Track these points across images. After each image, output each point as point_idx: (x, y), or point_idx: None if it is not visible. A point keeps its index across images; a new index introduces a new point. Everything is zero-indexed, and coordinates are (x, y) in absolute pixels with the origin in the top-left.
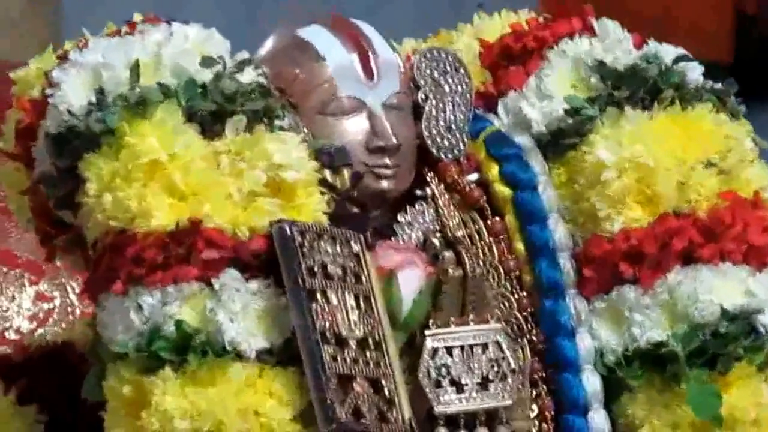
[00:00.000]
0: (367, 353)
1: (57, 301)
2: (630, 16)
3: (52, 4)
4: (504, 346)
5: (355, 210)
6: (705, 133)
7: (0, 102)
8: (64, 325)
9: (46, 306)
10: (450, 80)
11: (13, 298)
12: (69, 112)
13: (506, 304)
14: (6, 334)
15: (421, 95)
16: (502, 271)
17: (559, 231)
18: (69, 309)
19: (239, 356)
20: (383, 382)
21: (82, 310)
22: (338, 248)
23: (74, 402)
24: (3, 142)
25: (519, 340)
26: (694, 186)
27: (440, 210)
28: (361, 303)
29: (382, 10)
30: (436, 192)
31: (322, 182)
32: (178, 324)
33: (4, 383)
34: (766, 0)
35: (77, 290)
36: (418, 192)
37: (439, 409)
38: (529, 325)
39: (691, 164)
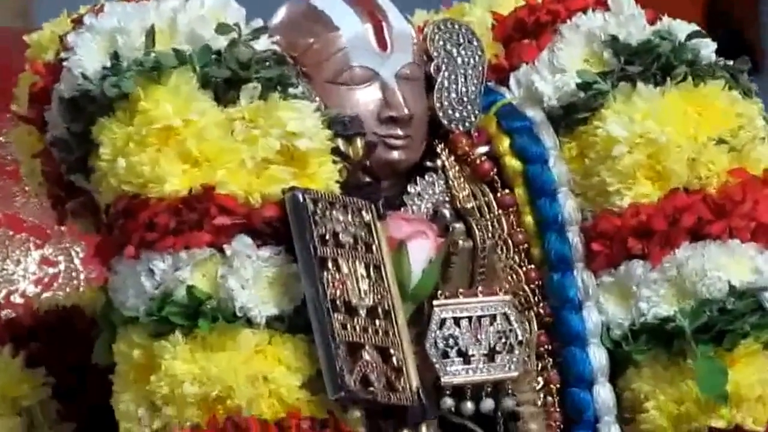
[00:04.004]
0: (377, 322)
1: (62, 266)
2: None
3: None
4: (511, 319)
5: (368, 180)
6: (717, 110)
7: None
8: (69, 290)
9: (51, 270)
10: (463, 52)
11: (19, 262)
12: (83, 76)
13: (514, 276)
14: (12, 297)
15: (433, 67)
16: (511, 243)
17: (568, 205)
18: (74, 274)
19: (249, 323)
20: (392, 351)
21: (87, 275)
22: (350, 217)
23: (82, 366)
24: (16, 105)
25: (526, 312)
26: (705, 163)
27: (450, 182)
28: (372, 272)
29: None
30: (446, 164)
31: (335, 151)
32: (189, 289)
33: (12, 346)
34: None
35: (82, 255)
36: (429, 163)
37: (445, 379)
38: (536, 298)
39: (703, 141)
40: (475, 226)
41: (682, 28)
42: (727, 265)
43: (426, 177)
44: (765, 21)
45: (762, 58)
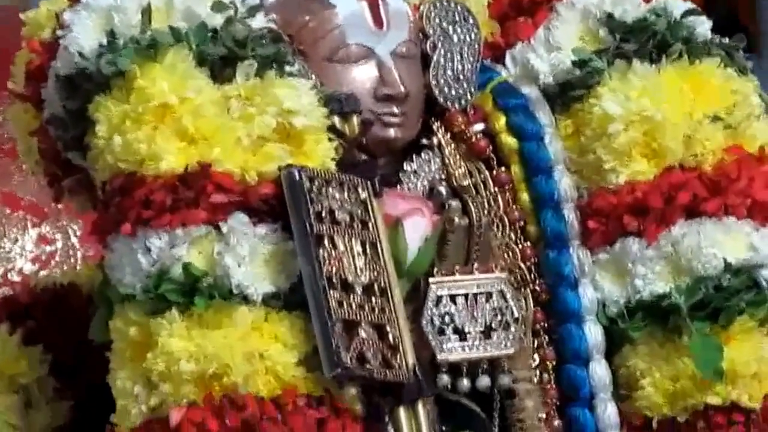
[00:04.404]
0: (373, 299)
1: (59, 244)
2: None
3: None
4: (507, 296)
5: (364, 157)
6: (712, 88)
7: None
8: (66, 268)
9: (48, 248)
10: (459, 30)
11: (16, 240)
12: (80, 54)
13: (510, 254)
14: (9, 275)
15: (429, 44)
16: (506, 221)
17: (564, 182)
18: (71, 252)
19: (246, 300)
20: (388, 328)
21: (84, 253)
22: (346, 194)
23: (79, 343)
24: (13, 83)
25: (522, 289)
26: (700, 140)
27: (446, 159)
28: (368, 249)
29: None
30: (442, 141)
31: (331, 129)
32: (186, 267)
33: (9, 324)
34: None
35: (79, 233)
36: (425, 141)
37: (441, 356)
38: (532, 276)
39: (698, 118)
40: (471, 204)
41: (677, 6)
42: (722, 242)
43: (422, 155)
44: (761, 1)
45: (758, 39)
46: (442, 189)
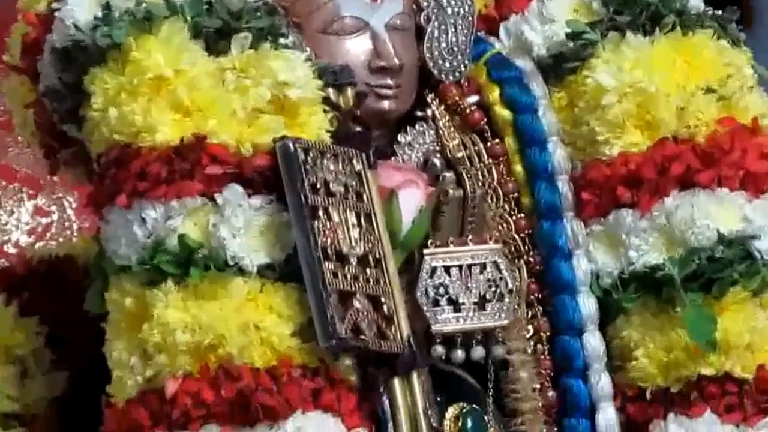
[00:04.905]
0: (368, 271)
1: (55, 216)
2: None
3: None
4: (502, 267)
5: (358, 129)
6: (705, 60)
7: None
8: (61, 239)
9: (44, 220)
10: (453, 2)
11: (12, 212)
12: (75, 26)
13: (504, 225)
14: (5, 247)
15: (423, 17)
16: (501, 192)
17: (558, 154)
18: (66, 223)
19: (241, 271)
20: (383, 299)
21: (80, 225)
22: (341, 166)
23: (75, 315)
24: (8, 56)
25: (516, 261)
26: (694, 112)
27: (440, 131)
28: (362, 221)
29: None
30: (436, 113)
31: (326, 101)
32: (181, 238)
33: (5, 295)
34: None
35: (75, 205)
36: (419, 113)
37: (436, 327)
38: (526, 247)
39: (691, 90)
40: (465, 175)
41: None
42: (715, 214)
43: (416, 126)
44: None
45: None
46: (437, 161)
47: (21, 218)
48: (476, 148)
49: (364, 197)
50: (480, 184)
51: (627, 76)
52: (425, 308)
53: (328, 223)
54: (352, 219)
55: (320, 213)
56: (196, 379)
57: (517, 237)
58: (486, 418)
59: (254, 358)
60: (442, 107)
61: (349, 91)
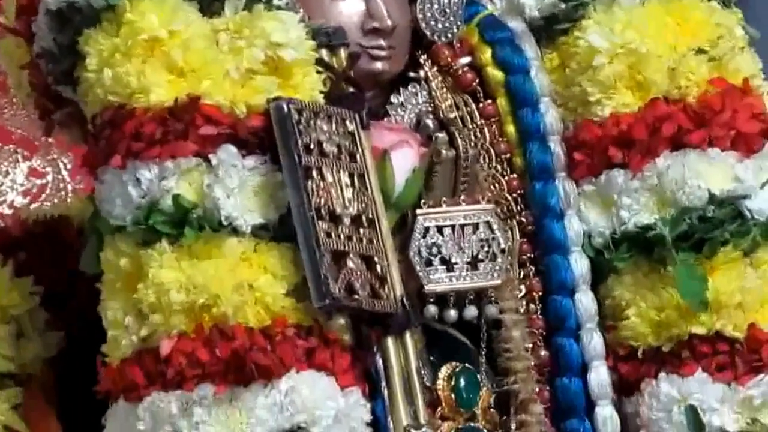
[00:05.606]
0: (361, 230)
1: (49, 177)
2: None
3: None
4: (494, 227)
5: (351, 90)
6: (696, 21)
7: None
8: (56, 200)
9: (38, 181)
10: None
11: (7, 173)
12: None
13: (497, 185)
14: (0, 208)
15: None
16: (493, 153)
17: (550, 115)
18: (61, 185)
19: (235, 231)
20: (376, 259)
21: (74, 186)
22: (334, 126)
23: (70, 275)
24: (3, 17)
25: (509, 221)
26: (685, 72)
27: (433, 92)
28: (356, 181)
29: None
30: (429, 74)
31: (319, 62)
32: (176, 198)
33: (1, 256)
34: None
35: (69, 166)
36: (412, 74)
37: (429, 287)
38: (518, 207)
39: (682, 51)
40: (458, 136)
41: None
42: (706, 174)
43: (409, 87)
44: None
45: None
46: (429, 121)
47: (16, 179)
48: (468, 108)
49: (358, 158)
50: (472, 144)
51: (618, 38)
52: (418, 268)
53: (321, 183)
54: (345, 179)
55: (314, 173)
56: (190, 338)
57: (509, 197)
58: (479, 377)
59: (248, 317)
60: (435, 68)
61: (343, 52)
